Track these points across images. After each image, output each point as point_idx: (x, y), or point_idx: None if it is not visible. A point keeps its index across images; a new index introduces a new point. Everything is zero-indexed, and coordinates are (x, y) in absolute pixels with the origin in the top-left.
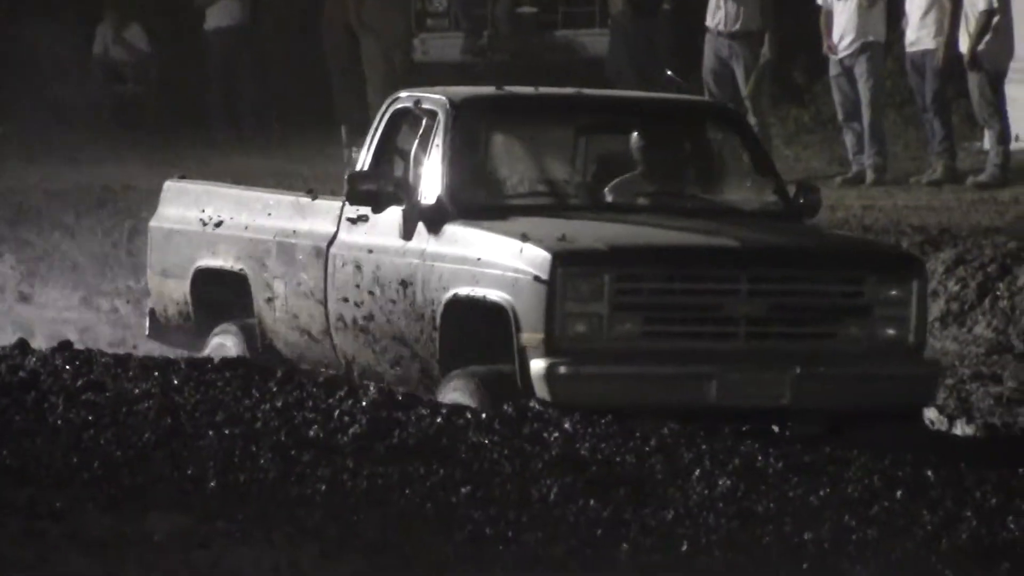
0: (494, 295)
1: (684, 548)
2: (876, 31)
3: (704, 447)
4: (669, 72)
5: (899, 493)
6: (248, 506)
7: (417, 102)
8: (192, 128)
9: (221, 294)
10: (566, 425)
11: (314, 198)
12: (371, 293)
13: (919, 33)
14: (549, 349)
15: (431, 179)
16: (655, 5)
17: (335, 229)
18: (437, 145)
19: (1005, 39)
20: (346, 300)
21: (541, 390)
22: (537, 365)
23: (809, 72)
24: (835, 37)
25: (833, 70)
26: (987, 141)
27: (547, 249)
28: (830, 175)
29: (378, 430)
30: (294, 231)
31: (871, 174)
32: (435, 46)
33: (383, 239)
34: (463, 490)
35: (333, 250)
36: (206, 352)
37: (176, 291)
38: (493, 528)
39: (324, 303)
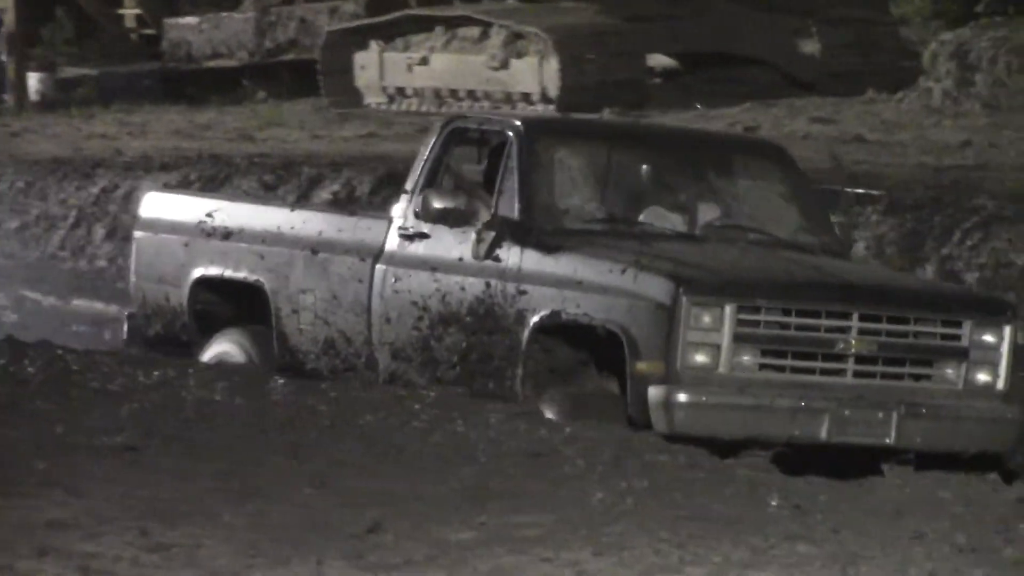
0: (602, 319)
1: None
2: None
3: None
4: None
5: None
6: None
7: (481, 123)
8: None
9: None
10: None
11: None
12: (428, 309)
13: None
14: (668, 378)
15: (510, 199)
16: None
17: (382, 244)
18: (512, 167)
19: None
20: (394, 317)
21: (658, 418)
22: (655, 394)
23: None
24: None
25: None
26: None
27: (668, 276)
28: None
29: None
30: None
31: None
32: None
33: (450, 255)
34: None
35: (381, 265)
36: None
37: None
38: None
39: (367, 316)
